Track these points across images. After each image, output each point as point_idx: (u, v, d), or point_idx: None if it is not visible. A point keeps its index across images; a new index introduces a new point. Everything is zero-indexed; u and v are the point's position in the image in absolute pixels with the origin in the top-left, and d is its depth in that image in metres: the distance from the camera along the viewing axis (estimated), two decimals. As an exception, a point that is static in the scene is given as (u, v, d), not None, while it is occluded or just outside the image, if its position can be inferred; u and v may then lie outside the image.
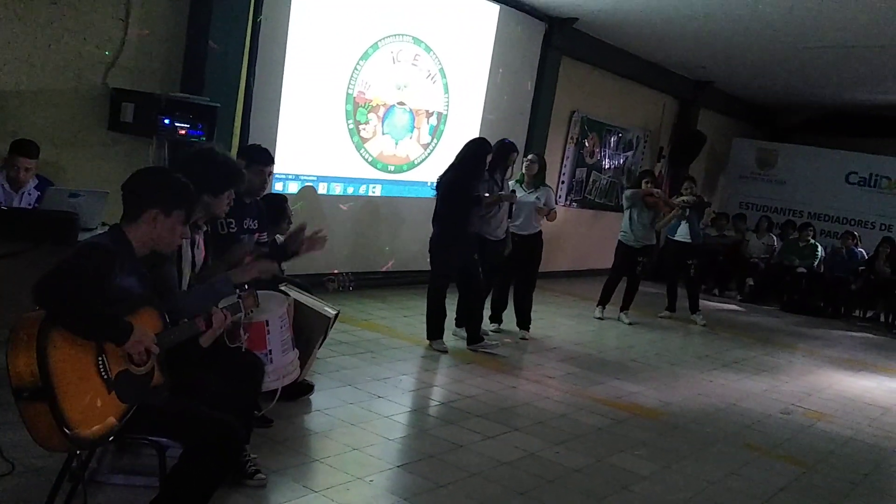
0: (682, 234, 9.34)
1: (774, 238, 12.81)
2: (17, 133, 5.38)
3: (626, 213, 8.69)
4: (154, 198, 2.86)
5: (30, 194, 4.96)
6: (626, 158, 12.82)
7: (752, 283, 12.41)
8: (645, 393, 6.21)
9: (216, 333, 3.09)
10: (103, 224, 4.63)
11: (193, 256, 3.47)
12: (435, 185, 6.59)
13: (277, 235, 5.10)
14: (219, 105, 6.17)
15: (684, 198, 9.16)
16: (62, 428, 2.42)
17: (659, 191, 8.96)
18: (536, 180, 7.35)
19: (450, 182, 6.42)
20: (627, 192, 8.86)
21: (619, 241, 8.81)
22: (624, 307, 8.94)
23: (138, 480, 3.38)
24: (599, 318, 8.88)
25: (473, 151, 6.46)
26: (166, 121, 5.77)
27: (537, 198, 7.28)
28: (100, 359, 2.58)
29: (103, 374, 2.58)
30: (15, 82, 5.51)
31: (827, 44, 9.39)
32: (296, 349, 4.16)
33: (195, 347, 3.05)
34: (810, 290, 12.04)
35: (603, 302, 8.95)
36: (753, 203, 14.49)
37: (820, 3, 7.76)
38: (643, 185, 8.76)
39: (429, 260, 6.67)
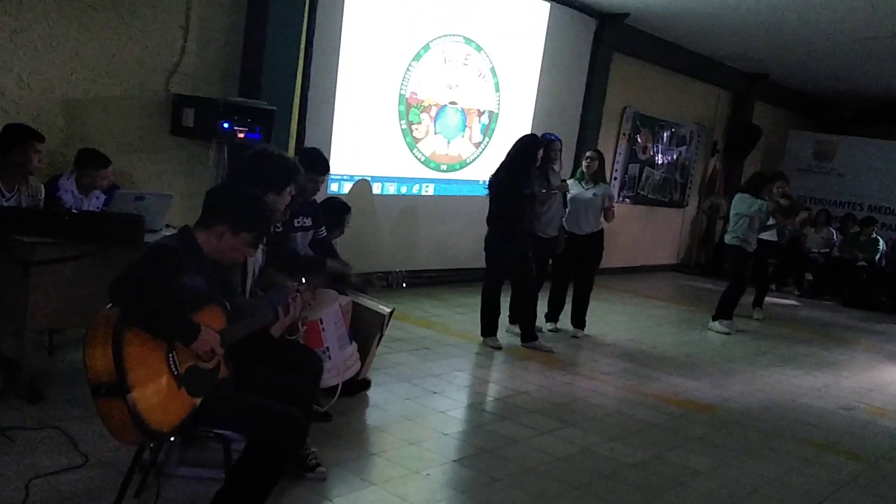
0: (769, 233, 9.05)
1: (833, 232, 12.56)
2: (85, 139, 5.59)
3: (746, 219, 8.13)
4: (227, 215, 2.96)
5: (98, 198, 5.14)
6: (680, 153, 12.70)
7: (810, 277, 12.20)
8: (701, 389, 6.17)
9: (292, 320, 3.19)
10: (167, 226, 4.80)
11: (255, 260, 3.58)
12: (487, 184, 6.64)
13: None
14: (276, 108, 6.30)
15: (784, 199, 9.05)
16: (137, 422, 2.52)
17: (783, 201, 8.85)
18: (597, 177, 7.28)
19: (502, 180, 6.44)
20: (765, 206, 8.14)
21: (737, 247, 8.25)
22: (757, 304, 9.46)
23: (204, 472, 3.49)
24: (727, 333, 8.41)
25: (524, 148, 6.47)
26: (225, 125, 5.91)
27: (594, 194, 7.19)
28: (170, 355, 2.69)
29: (174, 369, 2.69)
30: (83, 90, 5.71)
31: (883, 33, 9.17)
32: (354, 343, 4.25)
33: (255, 342, 3.14)
34: (871, 284, 11.79)
35: (729, 316, 8.52)
36: (812, 196, 14.24)
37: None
38: (775, 191, 8.45)
39: (484, 257, 6.72)
